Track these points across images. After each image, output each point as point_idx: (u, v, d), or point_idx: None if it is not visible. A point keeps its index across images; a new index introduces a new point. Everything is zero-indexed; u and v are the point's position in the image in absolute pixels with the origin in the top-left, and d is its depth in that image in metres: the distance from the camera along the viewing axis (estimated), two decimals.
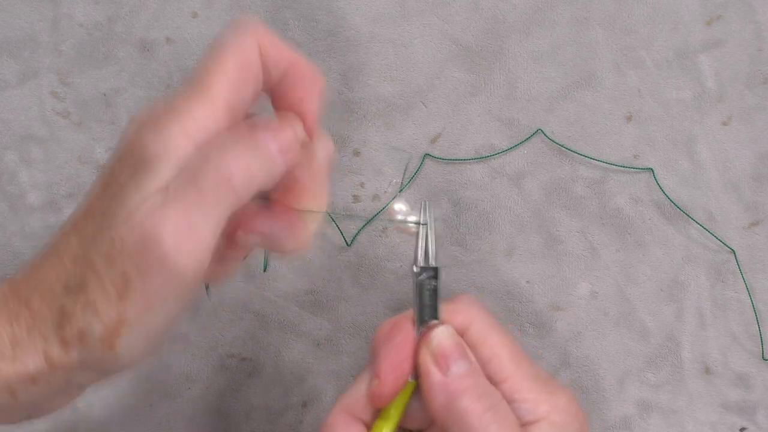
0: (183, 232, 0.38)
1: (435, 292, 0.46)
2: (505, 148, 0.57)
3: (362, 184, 0.57)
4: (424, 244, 0.46)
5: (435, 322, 0.46)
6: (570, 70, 0.57)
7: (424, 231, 0.46)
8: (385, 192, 0.57)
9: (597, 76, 0.57)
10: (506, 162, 0.57)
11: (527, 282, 0.57)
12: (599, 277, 0.57)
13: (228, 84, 0.41)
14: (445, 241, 0.57)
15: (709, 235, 0.57)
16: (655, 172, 0.57)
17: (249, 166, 0.40)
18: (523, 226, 0.57)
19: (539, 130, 0.57)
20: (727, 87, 0.57)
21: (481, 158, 0.57)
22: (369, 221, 0.57)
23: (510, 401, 0.45)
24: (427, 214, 0.46)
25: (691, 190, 0.57)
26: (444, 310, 0.46)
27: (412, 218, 0.46)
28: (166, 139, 0.39)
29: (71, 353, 0.40)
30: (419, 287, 0.46)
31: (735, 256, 0.57)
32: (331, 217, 0.57)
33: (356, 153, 0.57)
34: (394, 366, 0.45)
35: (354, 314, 0.57)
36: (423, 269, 0.46)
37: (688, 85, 0.57)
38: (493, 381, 0.45)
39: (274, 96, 0.44)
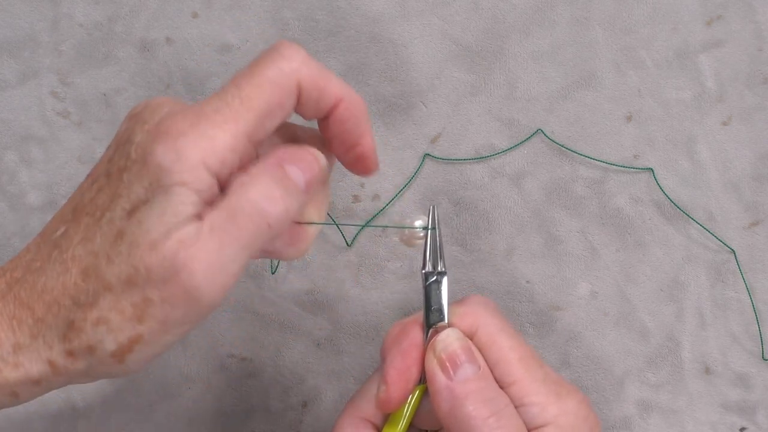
0: (216, 268, 0.39)
1: (443, 295, 0.46)
2: (505, 148, 0.57)
3: (362, 184, 0.57)
4: (432, 248, 0.46)
5: (443, 324, 0.46)
6: (570, 70, 0.57)
7: (433, 235, 0.46)
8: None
9: (597, 76, 0.57)
10: (506, 162, 0.57)
11: (527, 282, 0.57)
12: (599, 277, 0.57)
13: (258, 115, 0.40)
14: (445, 242, 0.57)
15: (709, 235, 0.57)
16: (655, 172, 0.57)
17: (285, 205, 0.40)
18: (523, 226, 0.57)
19: (539, 130, 0.57)
20: (727, 87, 0.57)
21: (481, 158, 0.57)
22: (369, 222, 0.57)
23: (518, 405, 0.45)
24: (435, 218, 0.46)
25: (691, 190, 0.57)
26: (453, 312, 0.46)
27: (419, 223, 0.46)
28: (187, 165, 0.38)
29: (77, 364, 0.40)
30: (427, 291, 0.46)
31: (735, 256, 0.57)
32: (332, 218, 0.57)
33: None
34: (401, 371, 0.45)
35: (354, 314, 0.57)
36: (431, 273, 0.46)
37: (688, 85, 0.57)
38: (501, 384, 0.45)
39: (323, 126, 0.44)
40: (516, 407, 0.44)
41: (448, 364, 0.44)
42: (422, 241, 0.46)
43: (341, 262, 0.57)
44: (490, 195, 0.57)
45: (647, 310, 0.57)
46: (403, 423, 0.46)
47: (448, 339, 0.45)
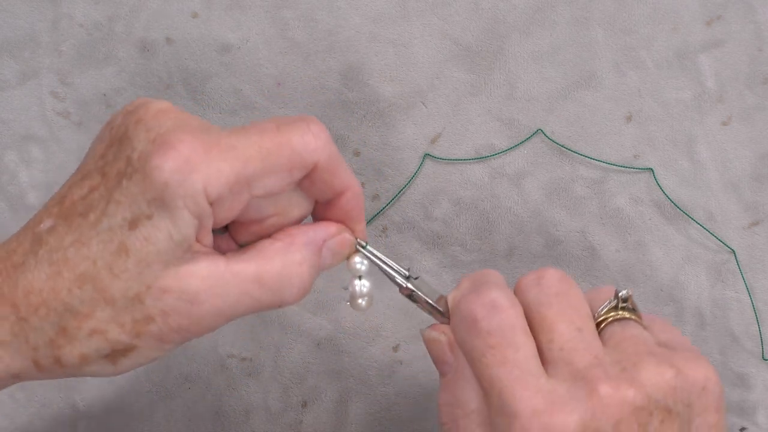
0: (224, 313, 0.41)
1: (421, 298, 0.45)
2: (505, 148, 0.57)
3: (362, 185, 0.57)
4: (385, 271, 0.46)
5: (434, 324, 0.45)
6: (570, 70, 0.57)
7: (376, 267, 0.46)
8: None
9: (597, 76, 0.57)
10: (506, 162, 0.57)
11: None
12: (599, 277, 0.57)
13: (265, 171, 0.41)
14: (446, 242, 0.57)
15: (709, 235, 0.57)
16: (655, 172, 0.57)
17: (304, 291, 0.43)
18: (523, 227, 0.57)
19: (539, 130, 0.57)
20: (727, 87, 0.57)
21: (481, 158, 0.57)
22: (368, 221, 0.57)
23: None
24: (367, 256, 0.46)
25: (691, 190, 0.57)
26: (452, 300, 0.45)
27: (357, 258, 0.46)
28: (192, 190, 0.39)
29: (66, 368, 0.40)
30: (412, 300, 0.46)
31: (735, 256, 0.57)
32: None
33: (356, 153, 0.57)
34: None
35: (354, 314, 0.57)
36: (402, 287, 0.45)
37: (688, 85, 0.57)
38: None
39: (321, 208, 0.45)
40: None
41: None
42: (366, 300, 0.46)
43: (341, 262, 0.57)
44: (490, 195, 0.57)
45: (647, 310, 0.57)
46: None
47: (430, 335, 0.45)
